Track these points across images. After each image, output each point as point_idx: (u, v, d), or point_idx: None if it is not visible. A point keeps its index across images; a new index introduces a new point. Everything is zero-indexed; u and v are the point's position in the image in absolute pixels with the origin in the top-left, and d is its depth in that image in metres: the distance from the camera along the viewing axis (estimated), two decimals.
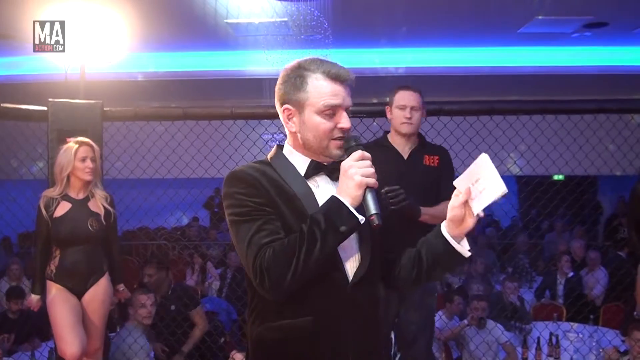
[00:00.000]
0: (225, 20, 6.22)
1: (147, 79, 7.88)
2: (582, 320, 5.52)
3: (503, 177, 1.57)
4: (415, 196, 2.97)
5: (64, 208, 3.36)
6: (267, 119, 3.67)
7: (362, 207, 1.59)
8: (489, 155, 1.65)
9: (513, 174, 9.45)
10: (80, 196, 3.40)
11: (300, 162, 1.73)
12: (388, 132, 3.27)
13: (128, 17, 5.11)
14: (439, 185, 3.13)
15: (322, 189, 1.72)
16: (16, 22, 5.77)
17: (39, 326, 4.81)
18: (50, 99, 3.41)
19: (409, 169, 3.12)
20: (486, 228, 10.60)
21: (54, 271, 3.37)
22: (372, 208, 1.57)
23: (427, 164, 3.16)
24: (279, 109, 1.73)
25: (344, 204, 1.57)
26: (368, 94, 8.72)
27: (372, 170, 1.60)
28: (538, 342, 4.82)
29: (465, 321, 4.89)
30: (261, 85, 6.43)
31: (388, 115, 3.21)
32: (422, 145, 3.23)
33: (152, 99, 9.63)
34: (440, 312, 5.09)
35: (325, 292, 1.64)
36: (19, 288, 5.64)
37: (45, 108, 3.42)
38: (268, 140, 5.09)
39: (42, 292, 3.47)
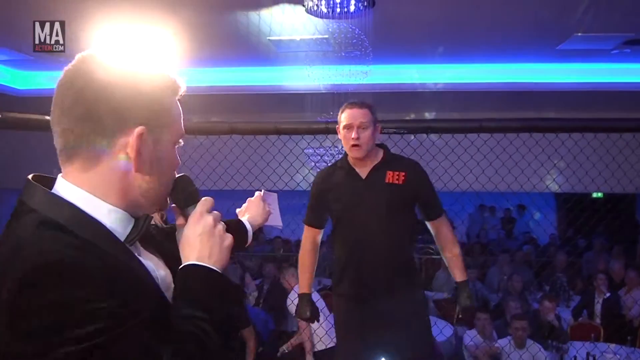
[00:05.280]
0: (267, 38, 6.34)
1: (193, 94, 8.08)
2: (620, 341, 5.46)
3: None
4: (378, 217, 2.85)
5: None
6: (309, 134, 3.74)
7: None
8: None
9: (552, 190, 9.39)
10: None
11: (112, 220, 1.10)
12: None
13: (177, 35, 5.30)
14: (411, 202, 2.95)
15: (154, 260, 1.21)
16: (72, 39, 6.01)
17: None
18: None
19: (367, 189, 2.90)
20: (524, 245, 10.51)
21: None
22: None
23: (390, 181, 2.88)
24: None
25: (225, 277, 1.16)
26: (407, 109, 8.81)
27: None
28: None
29: (506, 340, 4.90)
30: (302, 100, 6.58)
31: (339, 136, 2.96)
32: (385, 161, 2.95)
33: (196, 113, 9.85)
34: (474, 331, 5.12)
35: None
36: None
37: None
38: (310, 155, 5.20)
39: None
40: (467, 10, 5.67)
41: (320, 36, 5.80)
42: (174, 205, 1.24)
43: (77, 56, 1.12)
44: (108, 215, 1.08)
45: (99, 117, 1.05)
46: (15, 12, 5.32)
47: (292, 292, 5.58)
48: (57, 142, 1.11)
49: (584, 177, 4.23)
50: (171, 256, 1.22)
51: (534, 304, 6.65)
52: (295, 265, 4.01)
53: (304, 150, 4.35)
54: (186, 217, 1.21)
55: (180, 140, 1.18)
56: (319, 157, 6.23)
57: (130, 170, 1.09)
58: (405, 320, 2.91)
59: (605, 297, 6.76)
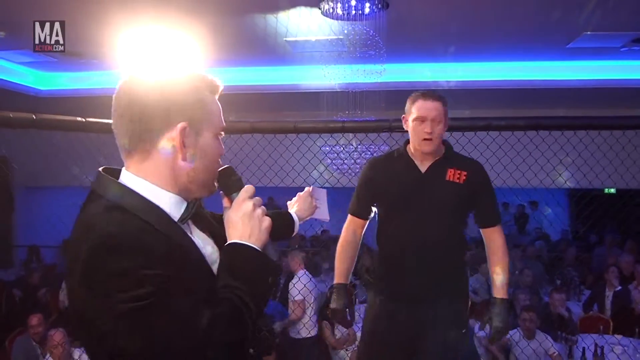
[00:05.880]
0: (284, 39, 6.52)
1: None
2: (629, 334, 5.54)
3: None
4: (434, 214, 2.69)
5: None
6: (327, 132, 3.83)
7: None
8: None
9: (559, 186, 9.45)
10: None
11: (169, 203, 1.32)
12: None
13: (197, 37, 5.49)
14: (467, 205, 2.79)
15: (202, 239, 1.41)
16: (93, 41, 6.24)
17: None
18: None
19: (425, 184, 2.73)
20: (536, 241, 10.62)
21: None
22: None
23: (450, 179, 2.72)
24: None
25: (263, 254, 1.34)
26: None
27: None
28: (583, 353, 4.92)
29: (516, 331, 5.04)
30: (318, 99, 6.73)
31: (405, 126, 2.79)
32: (447, 157, 2.79)
33: None
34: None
35: None
36: None
37: None
38: (327, 152, 5.35)
39: None
40: (477, 10, 5.81)
41: (335, 37, 5.95)
42: (221, 191, 1.43)
43: (128, 70, 1.36)
44: (163, 199, 1.29)
45: (148, 117, 1.27)
46: (41, 15, 5.51)
47: (295, 276, 5.82)
48: (118, 141, 1.33)
49: (588, 173, 4.23)
50: (220, 237, 1.42)
51: (545, 297, 6.77)
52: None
53: (321, 148, 4.48)
54: (231, 202, 1.40)
55: (222, 133, 1.37)
56: (335, 155, 6.40)
57: (177, 160, 1.29)
58: (444, 330, 2.72)
59: (615, 290, 6.87)
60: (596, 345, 5.00)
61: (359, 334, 3.64)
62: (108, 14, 5.37)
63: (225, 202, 1.44)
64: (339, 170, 6.57)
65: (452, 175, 2.72)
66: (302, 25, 5.87)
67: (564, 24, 6.16)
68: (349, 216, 2.97)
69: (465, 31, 6.48)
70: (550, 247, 10.24)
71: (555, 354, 4.95)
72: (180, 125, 1.27)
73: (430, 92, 2.72)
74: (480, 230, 2.89)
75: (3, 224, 10.36)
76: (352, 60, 5.74)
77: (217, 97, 1.37)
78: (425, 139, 2.66)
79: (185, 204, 1.33)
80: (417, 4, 5.60)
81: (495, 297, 2.82)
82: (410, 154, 2.80)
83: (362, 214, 2.96)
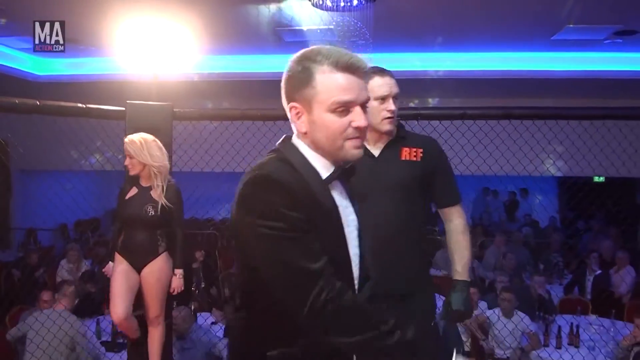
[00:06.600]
0: (276, 28, 6.72)
1: (204, 80, 8.43)
2: (606, 315, 5.73)
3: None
4: (393, 198, 2.48)
5: (132, 192, 3.66)
6: None
7: None
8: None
9: (552, 173, 9.60)
10: (145, 184, 3.64)
11: (319, 165, 1.52)
12: None
13: (192, 26, 5.66)
14: (426, 183, 2.56)
15: (343, 202, 1.59)
16: (90, 29, 6.42)
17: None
18: (128, 101, 3.74)
19: (380, 168, 2.51)
20: (523, 227, 10.85)
21: (120, 245, 3.68)
22: None
23: (406, 158, 2.53)
24: (286, 107, 1.54)
25: None
26: (410, 95, 9.11)
27: None
28: (559, 331, 5.17)
29: (495, 310, 5.29)
30: None
31: None
32: (400, 136, 2.58)
33: (211, 98, 10.22)
34: None
35: None
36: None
37: (123, 108, 3.74)
38: None
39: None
40: (464, 2, 6.00)
41: (325, 26, 6.12)
42: None
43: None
44: (315, 160, 1.53)
45: (282, 99, 1.55)
46: (41, 2, 5.67)
47: None
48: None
49: (581, 161, 4.30)
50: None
51: (527, 280, 7.00)
52: None
53: None
54: None
55: (339, 108, 1.46)
56: None
57: (303, 131, 1.52)
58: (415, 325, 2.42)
59: (595, 274, 7.13)
60: (572, 324, 5.25)
61: None
62: (105, 3, 5.55)
63: None
64: None
65: (407, 154, 2.54)
66: (292, 15, 6.05)
67: (547, 16, 6.34)
68: None
69: (453, 23, 6.66)
70: (538, 234, 10.46)
71: (531, 332, 5.19)
72: (292, 103, 1.52)
73: (382, 68, 2.53)
74: (440, 212, 2.69)
75: (1, 207, 10.56)
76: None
77: (340, 73, 1.46)
78: (387, 118, 2.48)
79: (332, 168, 1.54)
80: None
81: (456, 280, 2.63)
82: None
83: None
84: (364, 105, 1.49)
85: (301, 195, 1.42)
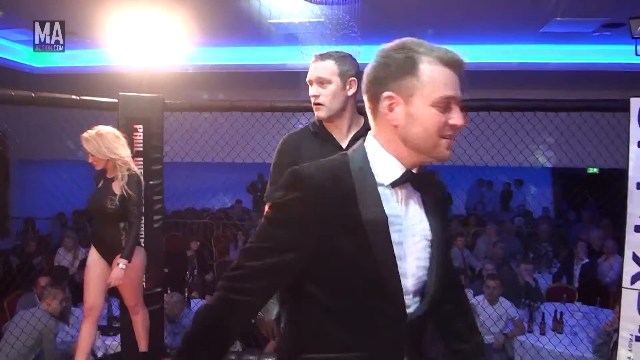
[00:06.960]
0: (268, 20, 6.79)
1: (197, 71, 8.52)
2: (592, 302, 5.83)
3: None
4: None
5: (100, 185, 3.66)
6: (300, 111, 3.98)
7: None
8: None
9: (542, 164, 9.66)
10: (109, 176, 3.60)
11: (386, 168, 1.37)
12: None
13: (183, 19, 5.76)
14: None
15: (410, 210, 1.41)
16: (86, 21, 6.51)
17: None
18: (120, 93, 3.84)
19: None
20: (516, 217, 10.94)
21: (92, 237, 3.75)
22: None
23: None
24: (371, 97, 1.39)
25: None
26: None
27: None
28: (543, 318, 5.27)
29: (480, 297, 5.40)
30: (299, 78, 6.98)
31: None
32: (366, 128, 2.43)
33: (205, 90, 10.29)
34: None
35: (384, 324, 1.37)
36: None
37: (116, 100, 3.84)
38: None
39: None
40: None
41: (316, 19, 6.21)
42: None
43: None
44: (383, 163, 1.38)
45: (367, 88, 1.38)
46: None
47: None
48: None
49: (570, 151, 4.45)
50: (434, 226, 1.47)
51: (516, 269, 7.10)
52: None
53: (295, 126, 4.70)
54: None
55: (443, 103, 1.32)
56: None
57: (391, 125, 1.35)
58: None
59: (583, 263, 7.23)
60: (556, 311, 5.36)
61: None
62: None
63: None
64: None
65: None
66: (284, 7, 6.14)
67: (536, 9, 6.42)
68: (267, 205, 2.20)
69: (442, 15, 6.74)
70: (531, 224, 10.54)
71: (516, 318, 5.30)
72: (386, 93, 1.34)
73: (322, 53, 2.39)
74: None
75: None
76: (331, 41, 5.96)
77: (446, 68, 1.33)
78: (315, 104, 2.36)
79: (403, 170, 1.38)
80: None
81: None
82: (328, 129, 2.43)
83: None
84: (460, 104, 1.36)
85: (324, 203, 1.30)
